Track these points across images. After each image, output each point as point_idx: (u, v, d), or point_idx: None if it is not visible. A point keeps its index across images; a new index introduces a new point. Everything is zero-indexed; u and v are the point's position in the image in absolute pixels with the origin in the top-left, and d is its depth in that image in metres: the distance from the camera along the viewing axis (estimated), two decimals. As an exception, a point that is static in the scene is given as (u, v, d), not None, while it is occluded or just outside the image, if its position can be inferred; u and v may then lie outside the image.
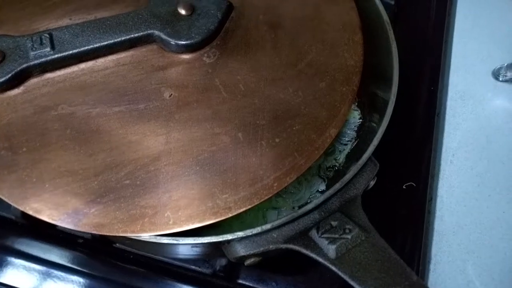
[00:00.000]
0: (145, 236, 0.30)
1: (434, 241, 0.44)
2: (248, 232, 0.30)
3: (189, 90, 0.34)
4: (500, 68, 0.50)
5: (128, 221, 0.30)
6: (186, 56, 0.35)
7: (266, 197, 0.31)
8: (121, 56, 0.35)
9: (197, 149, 0.32)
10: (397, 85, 0.36)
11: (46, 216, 0.30)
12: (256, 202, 0.31)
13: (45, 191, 0.30)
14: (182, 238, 0.30)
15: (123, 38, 0.35)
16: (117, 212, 0.30)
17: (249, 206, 0.30)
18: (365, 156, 0.33)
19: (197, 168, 0.31)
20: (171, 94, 0.34)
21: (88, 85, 0.34)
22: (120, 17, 0.35)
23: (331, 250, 0.29)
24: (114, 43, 0.35)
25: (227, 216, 0.30)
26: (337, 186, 0.32)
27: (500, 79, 0.51)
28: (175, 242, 0.30)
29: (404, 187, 0.45)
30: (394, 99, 0.35)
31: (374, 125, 0.43)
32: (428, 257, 0.43)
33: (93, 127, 0.32)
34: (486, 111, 0.50)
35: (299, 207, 0.41)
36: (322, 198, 0.31)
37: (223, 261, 0.38)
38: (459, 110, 0.50)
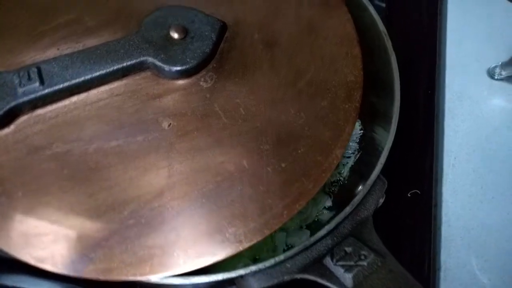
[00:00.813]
0: (156, 278, 0.29)
1: (443, 247, 0.44)
2: (261, 265, 0.29)
3: (188, 118, 0.33)
4: (495, 67, 0.50)
5: (136, 264, 0.28)
6: (182, 82, 0.34)
7: (277, 227, 0.30)
8: (114, 86, 0.34)
9: (201, 181, 0.31)
10: (399, 100, 0.35)
11: (49, 265, 0.28)
12: (267, 233, 0.30)
13: (46, 237, 0.29)
14: (194, 276, 0.29)
15: (115, 68, 0.33)
16: (124, 255, 0.29)
17: (260, 238, 0.29)
18: (373, 175, 0.32)
19: (203, 200, 0.30)
20: (170, 124, 0.32)
21: (82, 119, 0.32)
22: (111, 45, 0.34)
23: (347, 279, 0.28)
24: (106, 73, 0.33)
25: (238, 250, 0.29)
26: (348, 209, 0.31)
27: (496, 77, 0.50)
28: (187, 282, 0.29)
29: (409, 195, 0.45)
30: (398, 114, 0.35)
31: (376, 135, 0.42)
32: (437, 265, 0.43)
33: (91, 165, 0.31)
34: (483, 111, 0.49)
35: (307, 226, 0.40)
36: (333, 223, 0.30)
37: (233, 288, 0.37)
38: (457, 111, 0.49)
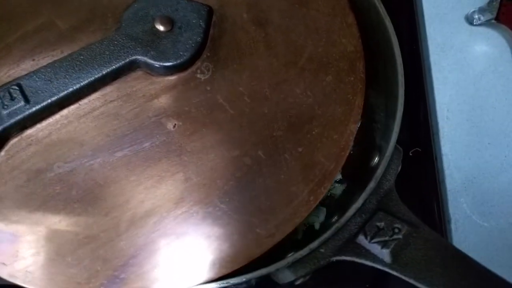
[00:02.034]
0: (195, 286, 0.27)
1: (449, 200, 0.44)
2: (297, 255, 0.29)
3: (192, 115, 0.31)
4: (473, 12, 0.50)
5: (171, 277, 0.27)
6: (177, 77, 0.32)
7: (306, 214, 0.29)
8: (106, 91, 0.31)
9: (221, 179, 0.29)
10: (402, 64, 0.34)
11: (78, 294, 0.27)
12: (298, 222, 0.29)
13: (69, 266, 0.27)
14: (231, 278, 0.28)
15: (104, 72, 0.31)
16: (156, 270, 0.27)
17: (292, 228, 0.29)
18: (391, 146, 0.32)
19: (227, 199, 0.29)
20: (175, 124, 0.30)
21: (79, 133, 0.30)
22: (94, 47, 0.31)
23: (386, 254, 0.28)
24: (95, 80, 0.31)
25: (273, 244, 0.28)
26: (372, 184, 0.31)
27: (475, 23, 0.50)
28: (227, 284, 0.28)
29: (410, 154, 0.45)
30: (403, 77, 0.34)
31: (373, 100, 0.42)
32: (447, 218, 0.44)
33: (100, 181, 0.29)
34: (467, 59, 0.50)
35: (321, 203, 0.40)
36: (361, 201, 0.30)
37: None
38: (443, 63, 0.49)
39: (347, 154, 0.31)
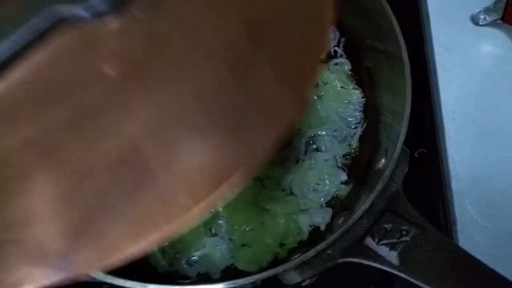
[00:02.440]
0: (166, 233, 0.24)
1: (455, 202, 0.44)
2: (304, 257, 0.28)
3: (136, 54, 0.25)
4: (478, 13, 0.50)
5: (135, 230, 0.21)
6: (110, 20, 0.27)
7: (300, 115, 0.26)
8: (33, 56, 0.24)
9: (181, 110, 0.24)
10: (409, 65, 0.34)
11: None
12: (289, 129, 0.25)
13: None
14: (240, 279, 0.28)
15: (25, 36, 0.25)
16: (116, 227, 0.21)
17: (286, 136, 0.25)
18: (398, 148, 0.32)
19: (193, 128, 0.24)
20: (116, 68, 0.26)
21: (7, 109, 0.25)
22: (5, 13, 0.26)
23: (394, 256, 0.28)
24: (17, 47, 0.24)
25: (264, 157, 0.22)
26: (379, 186, 0.30)
27: (480, 23, 0.50)
28: (235, 285, 0.28)
29: (416, 155, 0.45)
30: (410, 77, 0.34)
31: (379, 101, 0.42)
32: (453, 219, 0.44)
33: (40, 152, 0.25)
34: (473, 59, 0.49)
35: (327, 204, 0.40)
36: (368, 202, 0.30)
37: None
38: (448, 64, 0.49)
39: (325, 50, 0.28)
